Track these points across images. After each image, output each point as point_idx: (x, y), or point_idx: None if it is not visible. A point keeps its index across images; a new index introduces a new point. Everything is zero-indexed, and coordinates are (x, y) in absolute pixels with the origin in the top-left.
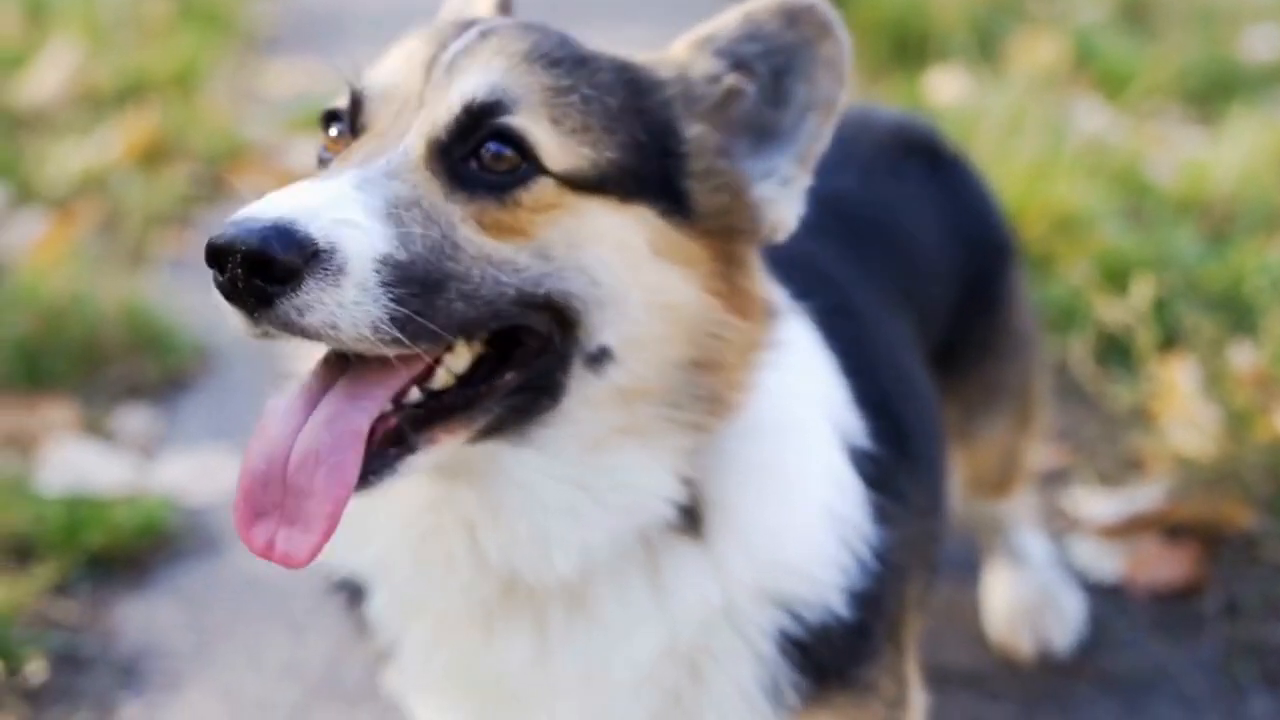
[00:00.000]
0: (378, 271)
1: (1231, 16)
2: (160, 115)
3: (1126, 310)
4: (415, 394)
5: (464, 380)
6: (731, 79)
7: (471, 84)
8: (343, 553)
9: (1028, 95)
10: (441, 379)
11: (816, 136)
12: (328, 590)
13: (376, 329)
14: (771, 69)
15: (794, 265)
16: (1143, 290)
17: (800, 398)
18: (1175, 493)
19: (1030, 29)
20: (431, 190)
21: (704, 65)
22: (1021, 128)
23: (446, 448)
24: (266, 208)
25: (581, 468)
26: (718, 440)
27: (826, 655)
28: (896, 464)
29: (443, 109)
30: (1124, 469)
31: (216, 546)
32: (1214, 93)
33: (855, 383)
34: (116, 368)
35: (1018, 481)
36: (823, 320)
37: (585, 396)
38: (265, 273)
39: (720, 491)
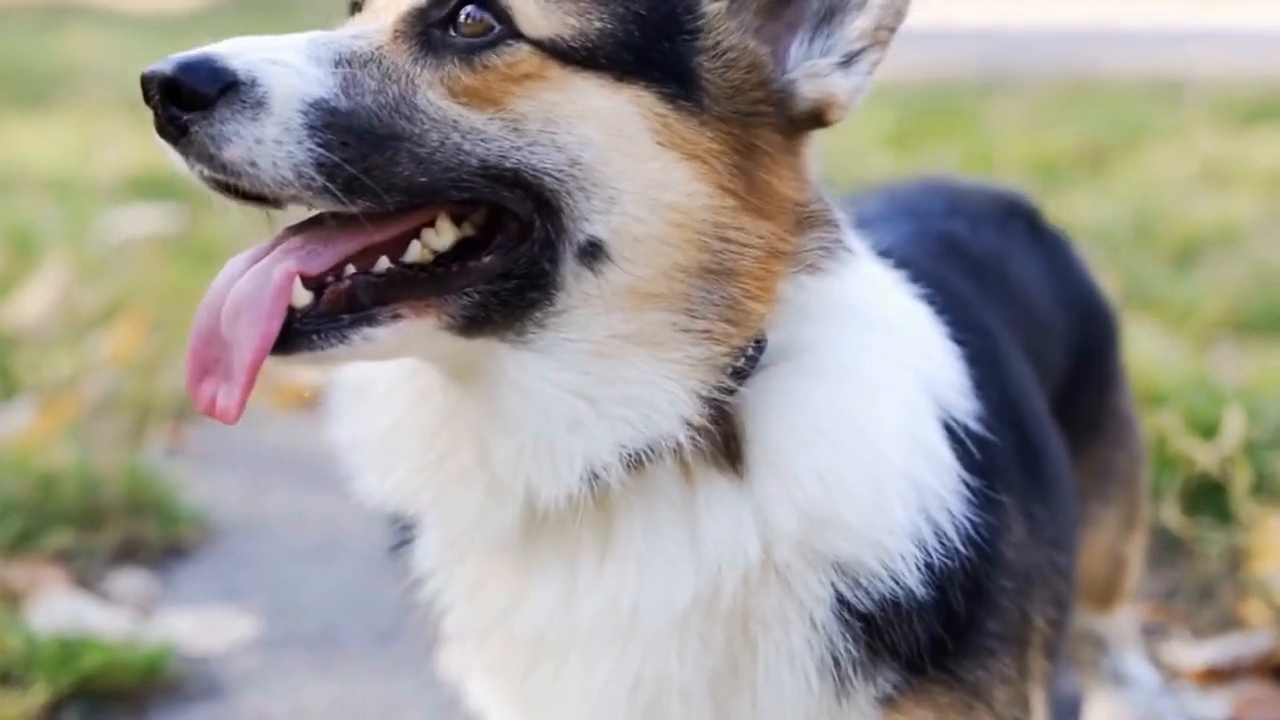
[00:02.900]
0: (304, 113)
1: None
2: (150, 328)
3: (1216, 452)
4: (384, 264)
5: (443, 259)
6: None
7: None
8: (375, 478)
9: None
10: (416, 253)
11: (891, 8)
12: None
13: (300, 173)
14: None
15: (922, 278)
16: (1233, 428)
17: (885, 359)
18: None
19: None
20: (397, 51)
21: None
22: None
23: (417, 328)
24: (201, 47)
25: (585, 377)
26: (765, 372)
27: (905, 637)
28: (1024, 473)
29: None
30: (1222, 624)
31: (222, 693)
32: None
33: (987, 393)
34: (113, 531)
35: (1124, 592)
36: (955, 333)
37: (584, 295)
38: (180, 101)
39: (762, 427)
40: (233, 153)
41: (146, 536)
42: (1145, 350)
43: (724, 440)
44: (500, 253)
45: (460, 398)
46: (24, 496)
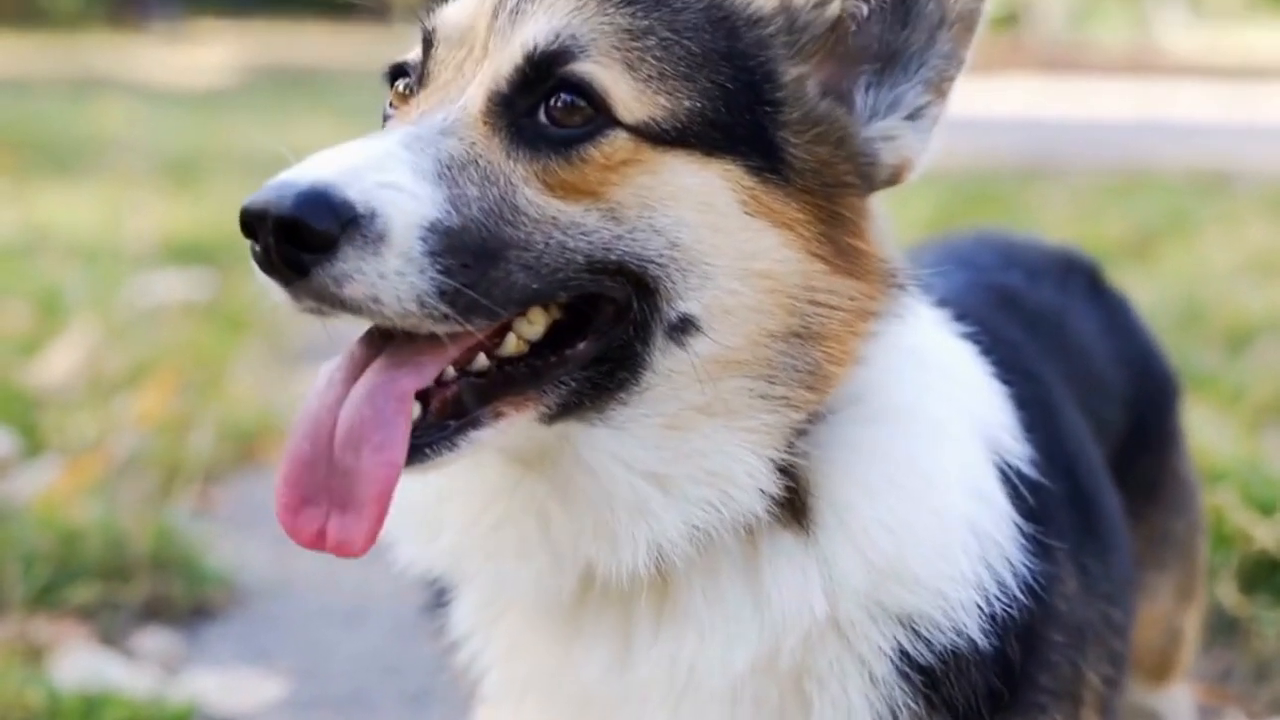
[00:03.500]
0: (424, 240)
1: None
2: (179, 391)
3: (1275, 530)
4: (482, 361)
5: (537, 348)
6: (841, 3)
7: (534, 29)
8: (417, 546)
9: None
10: (512, 345)
11: (952, 57)
12: (420, 601)
13: (423, 303)
14: None
15: (973, 326)
16: None
17: (942, 399)
18: None
19: None
20: (491, 147)
21: None
22: None
23: (516, 424)
24: (305, 170)
25: (658, 452)
26: (827, 421)
27: (963, 690)
28: (1076, 523)
29: (505, 58)
30: (1278, 707)
31: None
32: None
33: (1036, 437)
34: (139, 588)
35: (1178, 666)
36: (1003, 376)
37: (668, 371)
38: (299, 240)
39: (828, 479)
40: (355, 290)
41: (173, 595)
42: (1197, 432)
43: (788, 496)
44: (595, 338)
45: (522, 473)
46: (48, 550)
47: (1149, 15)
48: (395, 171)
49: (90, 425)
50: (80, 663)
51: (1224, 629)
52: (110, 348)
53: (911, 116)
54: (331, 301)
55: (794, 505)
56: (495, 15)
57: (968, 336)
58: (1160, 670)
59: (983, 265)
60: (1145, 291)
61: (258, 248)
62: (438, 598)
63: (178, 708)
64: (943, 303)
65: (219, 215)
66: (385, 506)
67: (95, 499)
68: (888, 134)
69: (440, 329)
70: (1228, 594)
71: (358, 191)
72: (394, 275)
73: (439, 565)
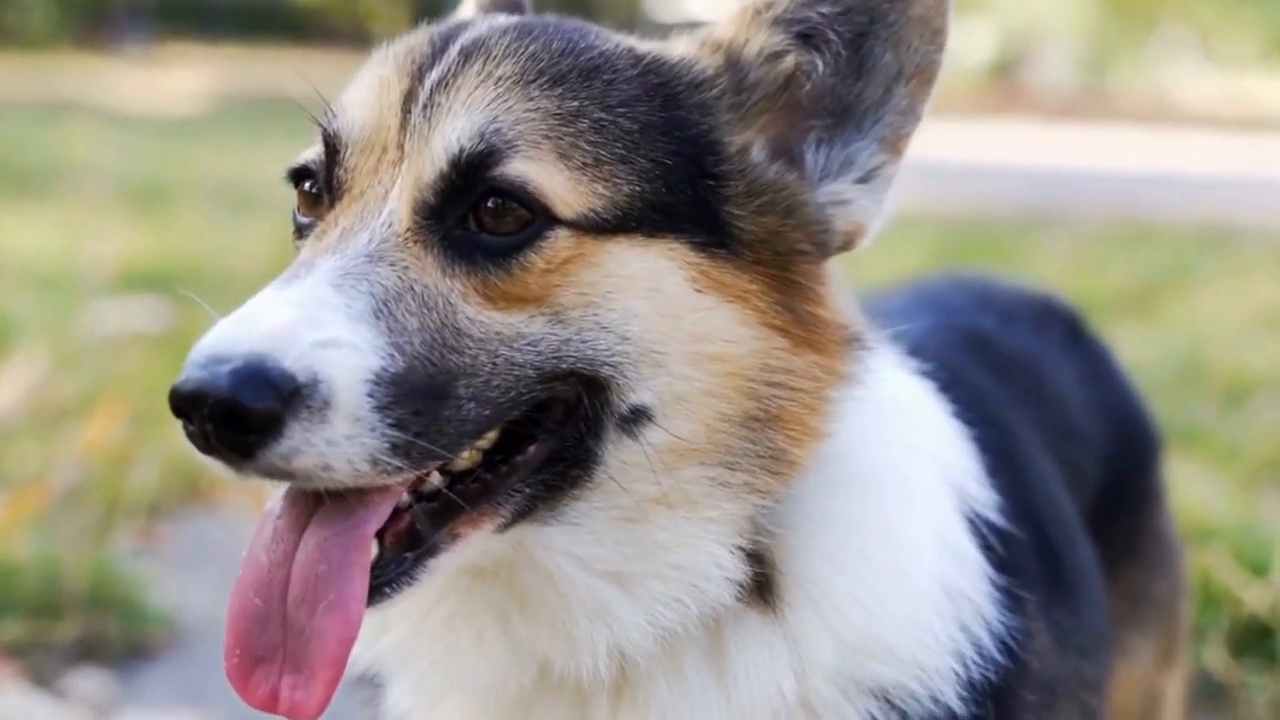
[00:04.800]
0: (371, 395)
1: None
2: (127, 423)
3: (1266, 593)
4: (435, 479)
5: (489, 454)
6: (794, 57)
7: (454, 128)
8: (362, 645)
9: None
10: (465, 458)
11: (909, 113)
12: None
13: (376, 461)
14: (850, 33)
15: (935, 369)
16: None
17: (905, 449)
18: None
19: None
20: (425, 268)
21: (759, 41)
22: None
23: (472, 543)
24: (234, 338)
25: (617, 548)
26: (792, 493)
27: None
28: (1044, 574)
29: (425, 162)
30: None
31: None
32: None
33: (999, 484)
34: (72, 625)
35: None
36: (965, 419)
37: (621, 464)
38: (240, 424)
39: (794, 554)
40: (304, 462)
41: (108, 634)
42: (1189, 488)
43: (754, 576)
44: (545, 438)
45: (474, 579)
46: None
47: (1160, 62)
48: (330, 324)
49: (33, 456)
50: (8, 703)
51: (1212, 695)
52: (59, 377)
53: (865, 179)
54: (280, 476)
55: (760, 585)
56: (406, 110)
57: (925, 375)
58: None
59: (954, 308)
60: (1145, 344)
61: (193, 429)
62: (371, 690)
63: None
64: (905, 345)
65: (181, 244)
66: (342, 667)
67: (34, 533)
68: (839, 198)
69: (394, 481)
70: (1216, 659)
71: (295, 358)
72: (344, 440)
73: (385, 660)
